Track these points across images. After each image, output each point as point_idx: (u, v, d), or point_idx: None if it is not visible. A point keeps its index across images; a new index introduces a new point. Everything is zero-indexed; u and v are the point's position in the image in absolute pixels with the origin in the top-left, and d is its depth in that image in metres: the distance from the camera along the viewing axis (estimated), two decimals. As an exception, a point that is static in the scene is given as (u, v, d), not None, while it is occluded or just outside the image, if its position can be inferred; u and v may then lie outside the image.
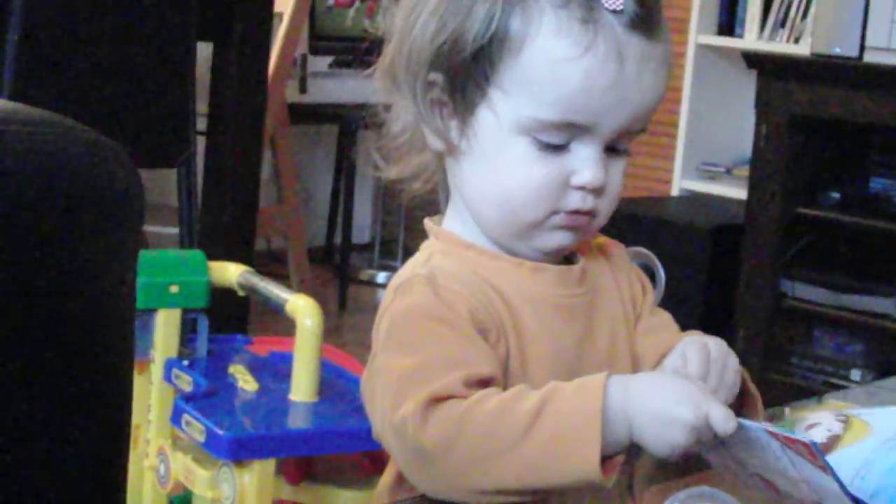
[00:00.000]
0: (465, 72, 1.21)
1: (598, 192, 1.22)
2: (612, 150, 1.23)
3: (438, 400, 1.13)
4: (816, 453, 1.07)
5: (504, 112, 1.21)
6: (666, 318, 1.36)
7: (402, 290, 1.21)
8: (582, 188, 1.21)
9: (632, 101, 1.21)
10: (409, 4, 1.25)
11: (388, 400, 1.16)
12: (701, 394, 1.13)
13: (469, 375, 1.14)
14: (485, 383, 1.15)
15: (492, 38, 1.20)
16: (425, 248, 1.29)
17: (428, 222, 1.31)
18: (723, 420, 1.10)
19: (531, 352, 1.23)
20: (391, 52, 1.27)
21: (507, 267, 1.26)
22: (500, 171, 1.22)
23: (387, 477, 1.29)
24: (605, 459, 1.11)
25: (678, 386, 1.14)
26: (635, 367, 1.31)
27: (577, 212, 1.23)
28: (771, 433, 1.09)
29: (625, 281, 1.34)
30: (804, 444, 1.08)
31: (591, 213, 1.24)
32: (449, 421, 1.12)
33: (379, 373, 1.20)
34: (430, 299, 1.19)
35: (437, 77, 1.23)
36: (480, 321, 1.20)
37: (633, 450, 1.15)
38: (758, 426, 1.11)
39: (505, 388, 1.18)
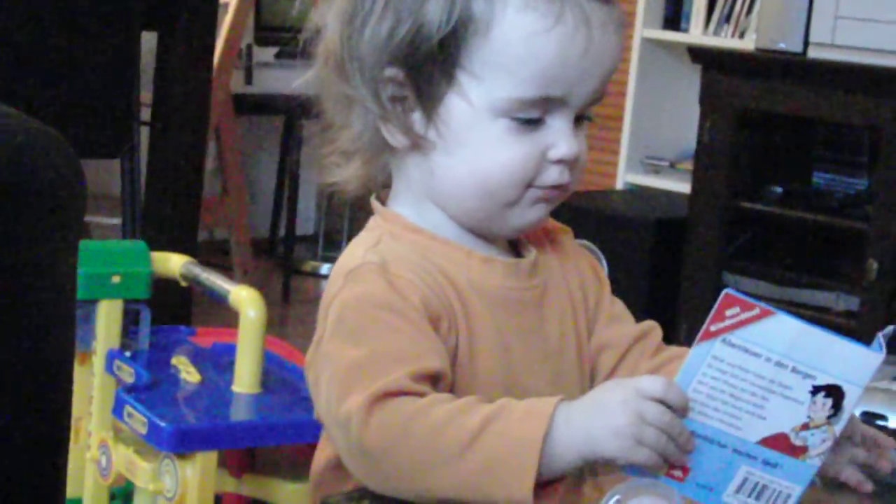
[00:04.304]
0: (430, 62, 1.20)
1: (573, 163, 1.23)
2: (577, 119, 1.24)
3: (384, 397, 1.11)
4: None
5: (477, 97, 1.20)
6: (621, 305, 1.36)
7: (352, 277, 1.20)
8: (559, 161, 1.22)
9: (602, 66, 1.22)
10: (347, 7, 1.23)
11: (335, 391, 1.15)
12: (629, 391, 1.09)
13: (417, 370, 1.13)
14: (433, 377, 1.14)
15: (456, 24, 1.19)
16: (372, 229, 1.27)
17: (375, 203, 1.30)
18: (650, 385, 1.08)
19: (479, 342, 1.22)
20: (334, 57, 1.25)
21: (456, 255, 1.25)
22: (477, 156, 1.21)
23: (321, 456, 1.27)
24: (546, 485, 1.10)
25: (607, 399, 1.11)
26: (600, 357, 1.32)
27: (554, 186, 1.23)
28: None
29: (574, 269, 1.34)
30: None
31: (566, 186, 1.24)
32: (392, 426, 1.11)
33: (326, 360, 1.18)
34: (382, 288, 1.18)
35: (395, 72, 1.21)
36: (433, 310, 1.19)
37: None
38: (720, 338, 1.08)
39: (453, 378, 1.17)
